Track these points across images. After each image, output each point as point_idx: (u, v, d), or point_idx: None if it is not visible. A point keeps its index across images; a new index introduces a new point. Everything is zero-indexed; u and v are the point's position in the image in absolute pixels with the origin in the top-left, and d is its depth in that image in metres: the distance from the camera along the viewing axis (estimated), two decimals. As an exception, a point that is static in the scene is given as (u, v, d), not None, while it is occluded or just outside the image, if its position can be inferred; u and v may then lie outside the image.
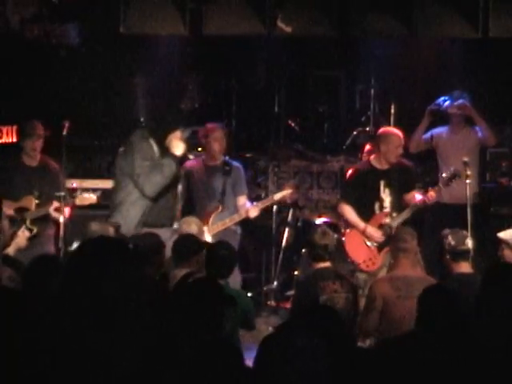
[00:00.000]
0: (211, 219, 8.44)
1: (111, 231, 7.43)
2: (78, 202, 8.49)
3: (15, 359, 2.49)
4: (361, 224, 8.26)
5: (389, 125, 10.86)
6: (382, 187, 8.30)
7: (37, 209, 8.28)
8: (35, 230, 8.04)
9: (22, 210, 8.20)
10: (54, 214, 8.29)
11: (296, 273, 9.29)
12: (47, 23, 9.71)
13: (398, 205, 8.28)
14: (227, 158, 8.76)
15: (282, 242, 9.76)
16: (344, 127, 11.17)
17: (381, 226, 8.21)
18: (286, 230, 9.85)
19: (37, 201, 8.29)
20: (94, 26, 9.65)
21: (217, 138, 8.60)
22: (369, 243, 8.25)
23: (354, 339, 5.63)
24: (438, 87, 10.36)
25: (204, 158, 8.77)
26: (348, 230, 8.42)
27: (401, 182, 8.29)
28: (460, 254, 6.99)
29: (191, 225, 7.62)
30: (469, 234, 7.34)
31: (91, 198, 8.55)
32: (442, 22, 9.34)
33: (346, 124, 11.24)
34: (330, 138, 11.06)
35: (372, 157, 8.55)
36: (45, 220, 8.36)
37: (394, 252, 6.80)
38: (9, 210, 7.96)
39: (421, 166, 9.79)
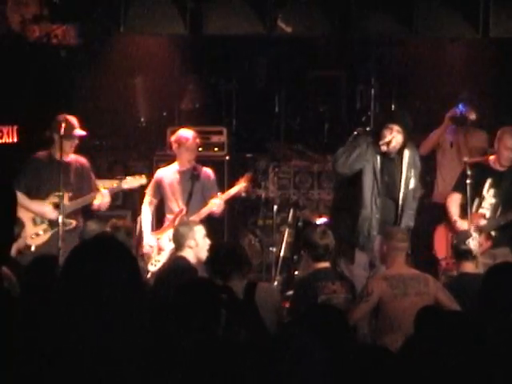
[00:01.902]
0: (176, 222, 8.44)
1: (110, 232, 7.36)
2: (125, 185, 8.17)
3: (13, 359, 2.50)
4: (454, 216, 8.13)
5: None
6: (487, 185, 8.15)
7: (71, 202, 7.95)
8: (73, 224, 7.91)
9: (57, 206, 7.87)
10: (99, 203, 7.96)
11: (296, 273, 9.28)
12: (48, 23, 9.71)
13: (501, 210, 8.10)
14: (197, 164, 8.78)
15: (282, 242, 9.76)
16: (344, 127, 11.15)
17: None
18: (286, 230, 9.86)
19: (70, 194, 7.96)
20: (94, 25, 9.64)
21: (189, 148, 8.67)
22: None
23: (355, 339, 5.62)
24: (438, 87, 10.36)
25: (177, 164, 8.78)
26: (442, 225, 8.32)
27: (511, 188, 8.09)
28: (462, 254, 7.01)
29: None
30: (472, 234, 7.35)
31: (141, 178, 8.29)
32: (442, 22, 9.33)
33: (346, 124, 11.22)
34: (330, 138, 11.05)
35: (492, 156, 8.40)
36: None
37: (390, 251, 6.79)
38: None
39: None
